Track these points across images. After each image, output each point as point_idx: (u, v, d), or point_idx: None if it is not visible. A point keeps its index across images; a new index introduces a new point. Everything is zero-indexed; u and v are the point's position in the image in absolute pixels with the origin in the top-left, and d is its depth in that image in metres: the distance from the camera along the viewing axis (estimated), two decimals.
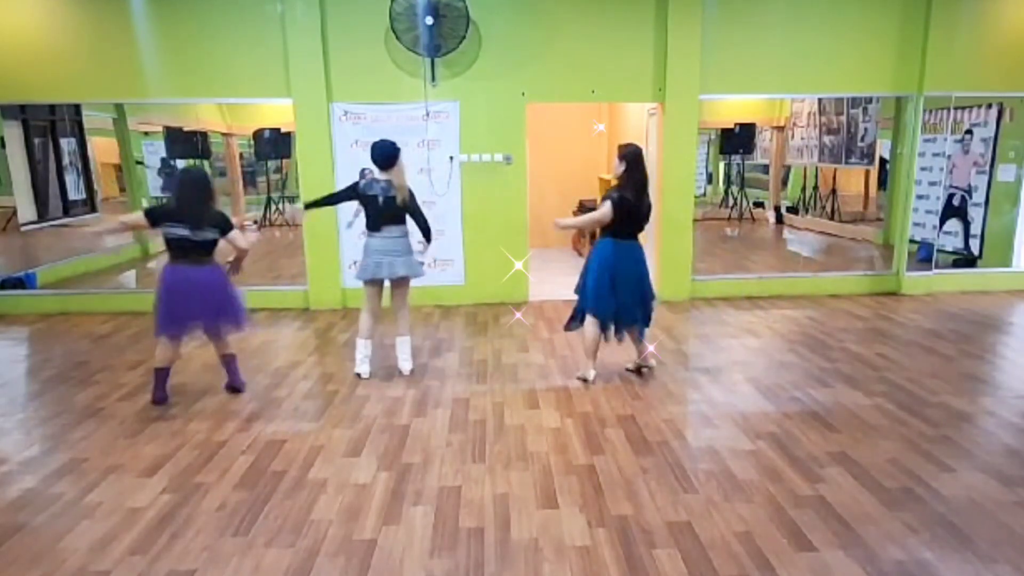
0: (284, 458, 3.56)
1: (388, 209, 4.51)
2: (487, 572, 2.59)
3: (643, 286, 4.54)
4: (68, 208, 7.87)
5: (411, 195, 4.60)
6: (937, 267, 7.26)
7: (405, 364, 4.83)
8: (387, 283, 4.71)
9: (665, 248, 7.01)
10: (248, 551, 2.75)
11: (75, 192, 7.91)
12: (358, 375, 4.76)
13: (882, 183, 8.57)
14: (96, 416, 4.15)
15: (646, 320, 4.64)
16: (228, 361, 4.47)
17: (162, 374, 4.29)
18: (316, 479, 3.33)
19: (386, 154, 4.47)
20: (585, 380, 4.59)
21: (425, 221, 4.66)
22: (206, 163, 8.53)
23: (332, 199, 4.85)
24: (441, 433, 3.85)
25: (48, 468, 3.48)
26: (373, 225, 4.57)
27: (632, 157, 4.35)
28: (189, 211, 4.08)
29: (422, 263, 4.83)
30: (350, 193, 4.62)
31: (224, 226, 4.16)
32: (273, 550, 2.75)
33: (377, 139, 4.57)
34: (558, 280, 8.11)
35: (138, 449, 3.69)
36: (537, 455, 3.56)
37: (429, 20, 6.12)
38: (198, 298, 4.14)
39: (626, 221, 4.39)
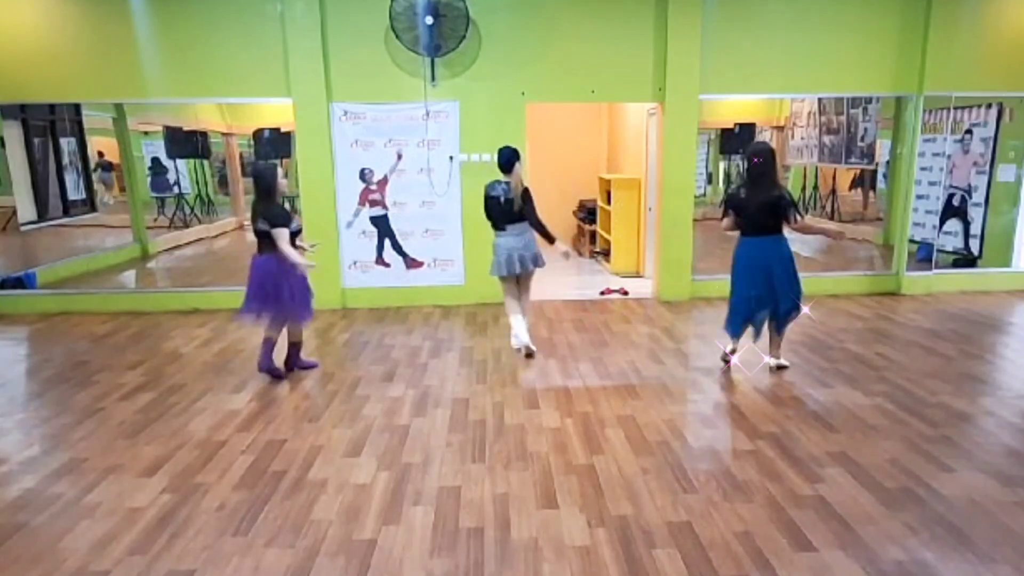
0: (284, 458, 3.56)
1: (509, 208, 4.96)
2: (487, 572, 2.59)
3: (772, 282, 4.54)
4: (68, 208, 7.86)
5: (525, 195, 4.94)
6: (937, 267, 7.26)
7: (522, 340, 5.20)
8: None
9: (665, 248, 7.01)
10: (248, 551, 2.75)
11: (75, 192, 7.91)
12: (517, 350, 5.24)
13: (872, 185, 8.57)
14: (96, 416, 4.15)
15: (783, 316, 4.67)
16: (291, 348, 4.86)
17: (267, 344, 4.73)
18: (316, 479, 3.33)
19: (505, 159, 4.95)
20: (725, 359, 4.88)
21: (536, 221, 4.97)
22: (205, 163, 8.52)
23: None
24: (441, 433, 3.85)
25: (48, 468, 3.48)
26: (497, 224, 5.07)
27: (747, 155, 4.59)
28: (254, 204, 4.54)
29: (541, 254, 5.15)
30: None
31: (272, 220, 4.42)
32: (273, 550, 2.75)
33: (502, 146, 5.02)
34: (558, 280, 8.11)
35: (138, 449, 3.69)
36: (537, 455, 3.56)
37: (429, 20, 6.13)
38: (257, 284, 4.51)
39: (742, 217, 4.58)
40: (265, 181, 4.47)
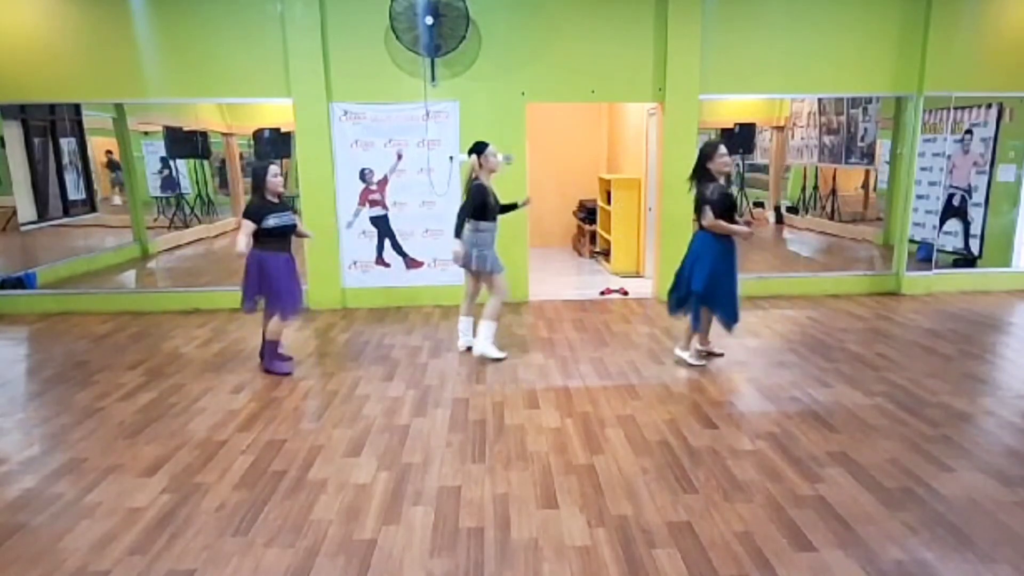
0: (284, 458, 3.56)
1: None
2: (487, 572, 2.59)
3: (690, 273, 4.78)
4: (68, 208, 7.86)
5: (469, 192, 4.91)
6: (937, 267, 7.26)
7: (463, 341, 5.32)
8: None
9: (665, 248, 7.01)
10: (248, 551, 2.75)
11: (75, 192, 7.91)
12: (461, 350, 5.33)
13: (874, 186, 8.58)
14: (96, 416, 4.15)
15: (692, 304, 4.85)
16: (268, 344, 4.87)
17: (265, 345, 4.94)
18: (316, 479, 3.33)
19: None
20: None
21: (458, 216, 4.89)
22: (205, 163, 8.52)
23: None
24: (441, 433, 3.85)
25: (48, 468, 3.48)
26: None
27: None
28: None
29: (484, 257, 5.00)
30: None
31: (244, 211, 4.57)
32: (273, 550, 2.75)
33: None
34: (558, 280, 8.12)
35: (138, 449, 3.69)
36: (537, 455, 3.56)
37: (429, 20, 6.13)
38: (246, 275, 4.67)
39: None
40: (255, 178, 4.61)
